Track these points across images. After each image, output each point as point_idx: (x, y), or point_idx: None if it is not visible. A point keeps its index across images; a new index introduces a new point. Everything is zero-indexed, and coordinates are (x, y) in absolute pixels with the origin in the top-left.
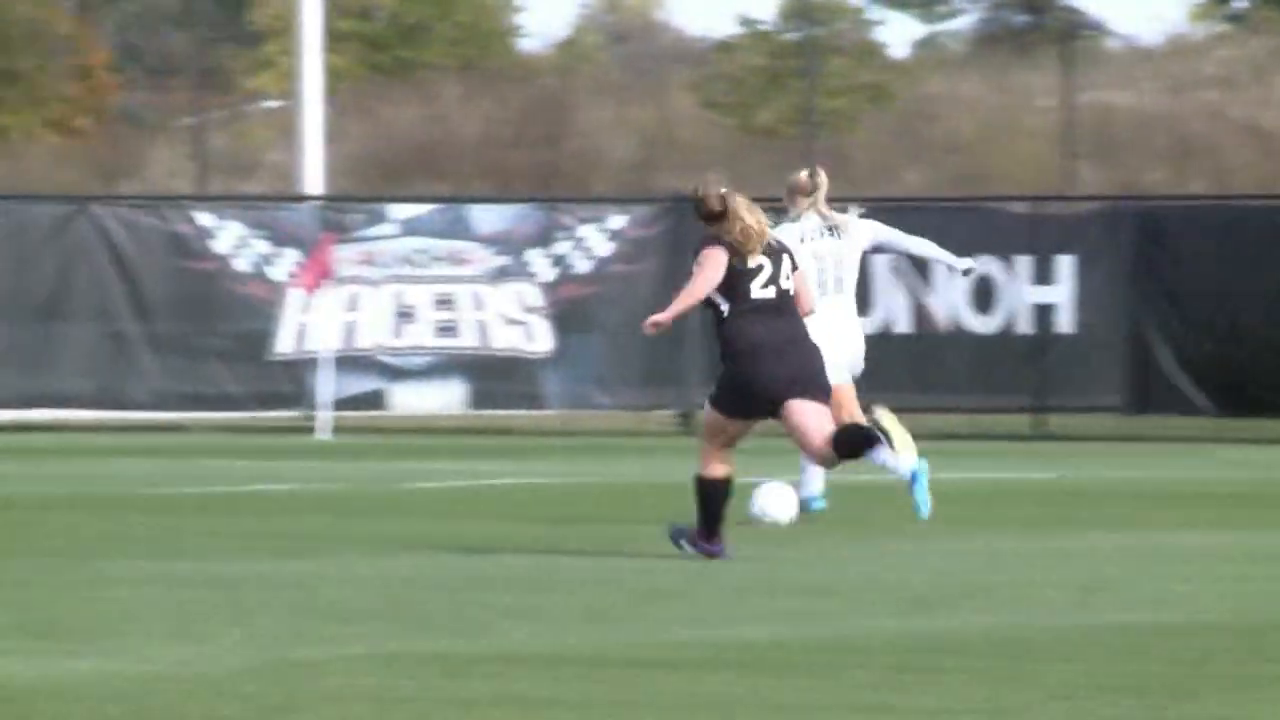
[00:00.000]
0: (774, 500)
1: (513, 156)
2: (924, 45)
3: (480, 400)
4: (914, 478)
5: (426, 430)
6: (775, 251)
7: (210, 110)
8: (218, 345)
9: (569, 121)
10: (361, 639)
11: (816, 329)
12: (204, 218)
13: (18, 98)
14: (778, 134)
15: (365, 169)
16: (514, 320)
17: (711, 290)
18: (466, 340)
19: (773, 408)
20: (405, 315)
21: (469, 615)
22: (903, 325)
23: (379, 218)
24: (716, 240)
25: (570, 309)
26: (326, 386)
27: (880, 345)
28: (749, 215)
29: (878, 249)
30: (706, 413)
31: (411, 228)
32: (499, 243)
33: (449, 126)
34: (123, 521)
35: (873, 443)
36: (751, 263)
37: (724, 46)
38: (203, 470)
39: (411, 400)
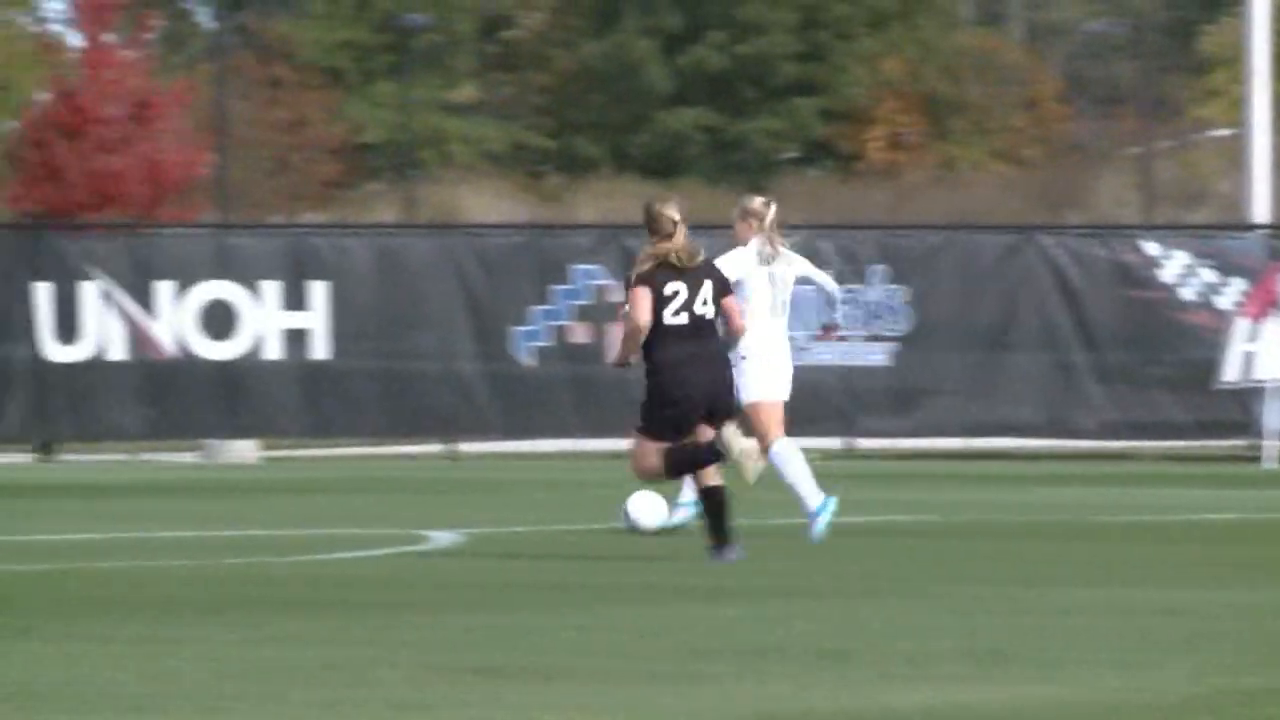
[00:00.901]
0: (641, 507)
1: None
2: None
3: None
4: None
5: None
6: (698, 278)
7: (1157, 139)
8: (1163, 374)
9: None
10: None
11: (769, 348)
12: (1150, 247)
13: (967, 128)
14: None
15: None
16: None
17: (646, 323)
18: None
19: (691, 422)
20: None
21: None
22: None
23: None
24: (645, 265)
25: None
26: (1273, 415)
27: None
28: (686, 241)
29: (803, 280)
30: (636, 443)
31: None
32: None
33: None
34: (1070, 549)
35: (706, 464)
36: (668, 290)
37: None
38: (1148, 498)
39: None
